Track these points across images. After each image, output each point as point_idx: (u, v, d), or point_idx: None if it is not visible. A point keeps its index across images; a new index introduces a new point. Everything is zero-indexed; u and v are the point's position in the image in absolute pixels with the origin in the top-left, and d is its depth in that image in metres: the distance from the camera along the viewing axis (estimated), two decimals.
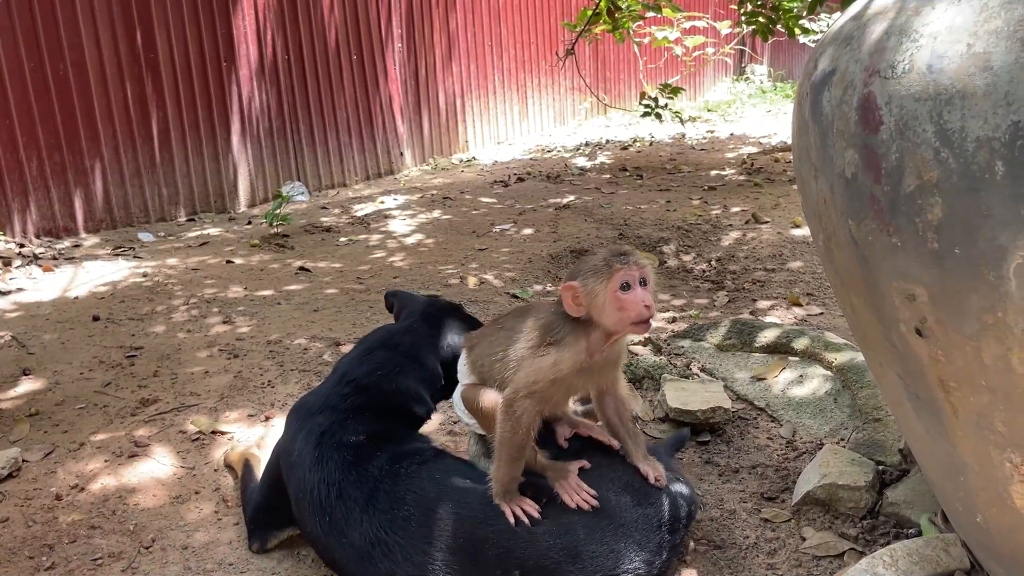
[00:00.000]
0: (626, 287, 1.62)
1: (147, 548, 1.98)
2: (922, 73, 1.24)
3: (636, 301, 1.62)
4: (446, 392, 2.09)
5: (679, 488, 1.83)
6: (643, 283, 1.64)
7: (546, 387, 1.68)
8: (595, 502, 1.69)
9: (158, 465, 2.33)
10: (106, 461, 2.34)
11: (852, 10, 1.52)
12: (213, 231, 5.26)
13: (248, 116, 6.01)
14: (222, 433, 2.49)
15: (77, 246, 4.82)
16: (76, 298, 3.77)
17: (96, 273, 4.16)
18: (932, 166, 1.22)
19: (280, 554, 1.95)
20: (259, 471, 2.15)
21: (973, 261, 1.21)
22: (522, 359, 1.70)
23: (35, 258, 4.45)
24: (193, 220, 5.60)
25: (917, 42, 1.26)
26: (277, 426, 2.43)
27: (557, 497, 1.70)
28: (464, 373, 1.88)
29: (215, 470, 2.31)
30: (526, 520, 1.64)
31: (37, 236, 4.84)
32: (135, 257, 4.53)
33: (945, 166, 1.20)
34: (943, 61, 1.21)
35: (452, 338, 2.12)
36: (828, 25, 8.11)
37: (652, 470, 1.79)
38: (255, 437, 2.45)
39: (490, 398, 1.75)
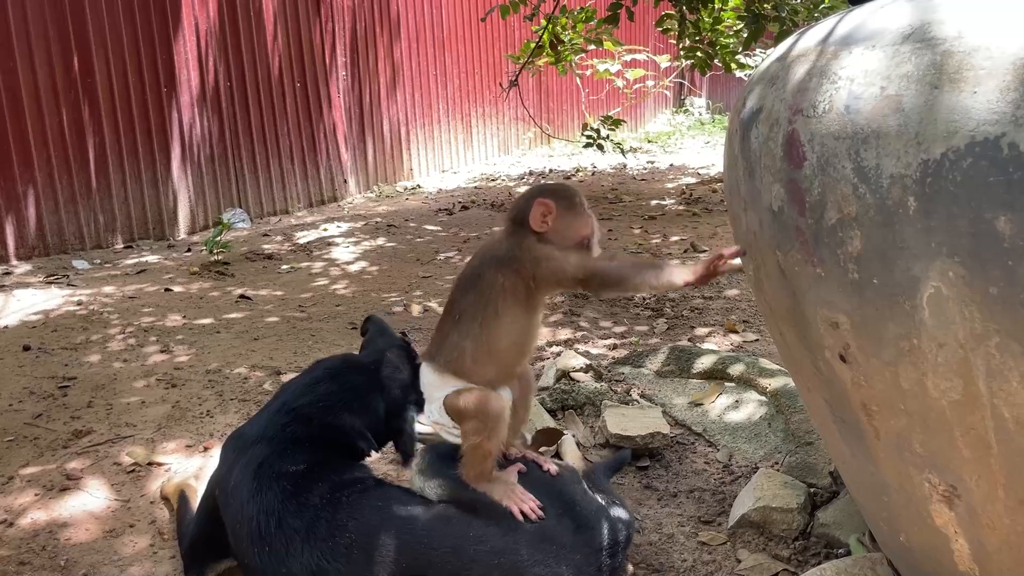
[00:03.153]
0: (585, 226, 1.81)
1: None
2: (840, 113, 1.31)
3: (588, 230, 1.81)
4: (387, 439, 2.09)
5: (618, 513, 1.86)
6: None
7: (581, 258, 1.76)
8: (540, 512, 1.72)
9: (91, 498, 2.28)
10: (36, 495, 2.28)
11: (777, 51, 1.60)
12: (151, 258, 5.17)
13: (189, 142, 5.95)
14: (159, 464, 2.45)
15: (8, 274, 4.68)
16: (6, 327, 3.66)
17: (28, 302, 4.05)
18: (851, 201, 1.29)
19: None
20: (196, 503, 2.11)
21: (890, 291, 1.27)
22: (506, 312, 1.73)
23: None
24: (131, 247, 5.49)
25: (836, 84, 1.33)
26: (216, 457, 2.39)
27: (503, 515, 1.72)
28: (434, 380, 1.79)
29: (151, 502, 2.27)
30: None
31: None
32: (69, 285, 4.43)
33: (863, 201, 1.27)
34: (859, 102, 1.28)
35: (403, 395, 2.10)
36: (763, 60, 8.40)
37: None
38: (193, 468, 2.41)
39: (497, 404, 1.72)
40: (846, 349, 1.40)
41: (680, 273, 1.70)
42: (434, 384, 1.80)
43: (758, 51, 8.27)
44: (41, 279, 4.58)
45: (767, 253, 1.54)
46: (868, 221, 1.27)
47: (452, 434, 1.82)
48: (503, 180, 8.30)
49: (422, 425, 2.20)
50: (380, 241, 5.51)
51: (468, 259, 1.85)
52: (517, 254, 1.74)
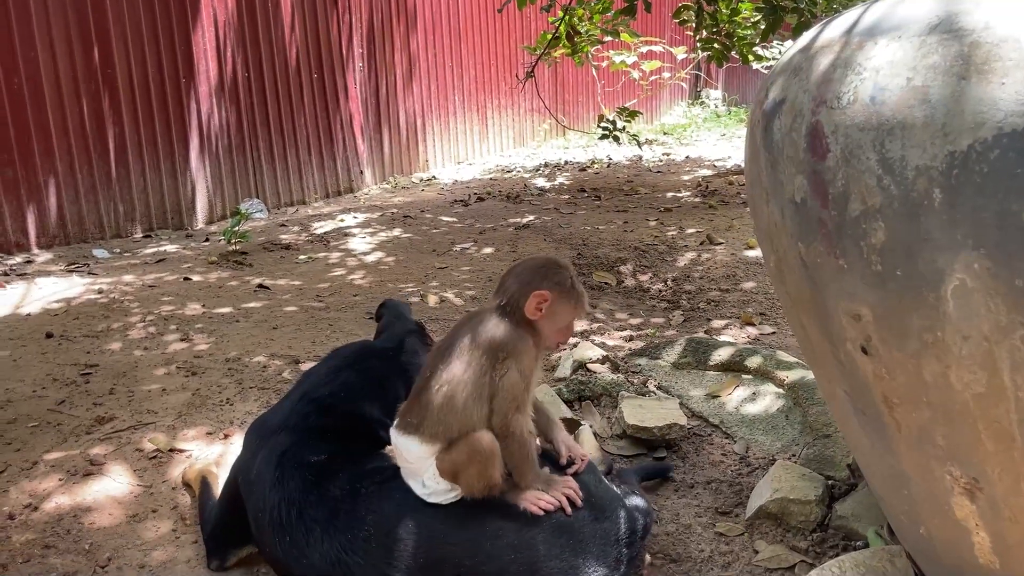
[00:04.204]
0: (572, 321, 1.87)
1: (103, 567, 1.96)
2: (865, 104, 1.30)
3: (568, 334, 1.90)
4: None
5: (636, 502, 1.87)
6: None
7: (525, 395, 1.75)
8: (556, 504, 1.73)
9: (114, 483, 2.31)
10: (60, 480, 2.31)
11: (801, 42, 1.59)
12: (170, 248, 5.21)
13: (207, 133, 5.98)
14: (180, 451, 2.47)
15: (29, 262, 4.73)
16: (28, 315, 3.70)
17: (49, 290, 4.10)
18: (875, 192, 1.29)
19: (239, 572, 1.95)
20: (217, 489, 2.14)
21: (914, 283, 1.27)
22: (491, 387, 1.73)
23: None
24: (149, 237, 5.54)
25: (861, 75, 1.33)
26: (236, 444, 2.42)
27: (519, 509, 1.73)
28: (423, 453, 1.74)
29: (173, 488, 2.30)
30: (579, 502, 1.75)
31: None
32: (90, 274, 4.47)
33: (887, 192, 1.27)
34: (885, 93, 1.28)
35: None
36: (780, 52, 8.35)
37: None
38: (214, 455, 2.43)
39: (487, 438, 1.70)
40: (868, 341, 1.40)
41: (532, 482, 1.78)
42: (422, 455, 1.75)
43: (775, 43, 8.22)
44: (62, 268, 4.62)
45: (789, 245, 1.54)
46: (892, 213, 1.27)
47: (447, 498, 1.76)
48: (518, 172, 8.29)
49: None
50: (396, 232, 5.52)
51: (454, 327, 1.84)
52: (510, 350, 1.74)
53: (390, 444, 2.05)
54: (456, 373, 1.72)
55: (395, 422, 1.81)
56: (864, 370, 1.45)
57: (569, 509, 1.73)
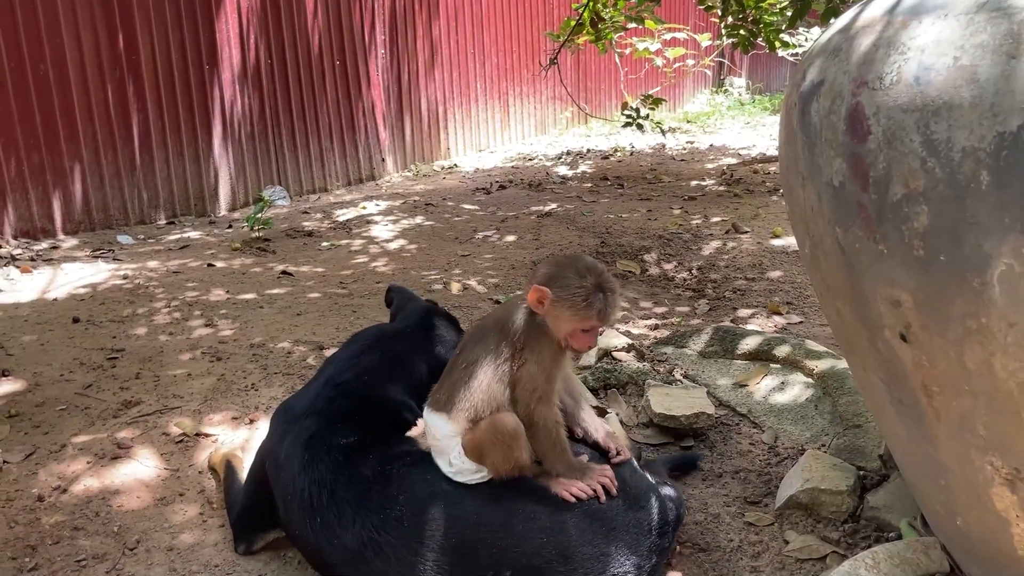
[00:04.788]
0: (587, 329, 1.75)
1: (131, 550, 1.97)
2: (909, 84, 1.27)
3: (586, 341, 1.76)
4: None
5: (667, 492, 1.85)
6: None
7: (546, 387, 1.74)
8: (589, 491, 1.72)
9: (141, 467, 2.32)
10: (88, 463, 2.32)
11: (840, 23, 1.56)
12: (193, 234, 5.23)
13: (230, 120, 5.99)
14: (206, 435, 2.48)
15: (55, 248, 4.77)
16: (55, 300, 3.73)
17: (75, 275, 4.12)
18: (919, 175, 1.26)
19: (266, 556, 1.95)
20: (243, 473, 2.14)
21: (958, 268, 1.24)
22: (512, 374, 1.74)
23: (12, 259, 4.40)
24: (173, 223, 5.56)
25: (905, 54, 1.29)
26: (261, 428, 2.43)
27: (553, 497, 1.72)
28: (450, 431, 1.76)
29: (200, 472, 2.30)
30: (614, 490, 1.74)
31: (14, 237, 4.78)
32: (114, 259, 4.50)
33: (931, 175, 1.24)
34: (930, 73, 1.24)
35: (444, 351, 2.12)
36: (806, 39, 8.25)
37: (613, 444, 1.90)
38: (240, 439, 2.44)
39: (510, 420, 1.71)
40: (908, 328, 1.37)
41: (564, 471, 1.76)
42: (449, 433, 1.76)
43: (801, 30, 8.11)
44: (87, 253, 4.65)
45: (825, 229, 1.51)
46: (936, 196, 1.24)
47: (474, 479, 1.76)
48: (540, 160, 8.26)
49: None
50: (418, 219, 5.51)
51: (492, 311, 1.85)
52: (525, 340, 1.75)
53: (415, 426, 2.05)
54: (480, 354, 1.75)
55: (428, 399, 1.84)
56: (903, 357, 1.42)
57: (604, 497, 1.72)
